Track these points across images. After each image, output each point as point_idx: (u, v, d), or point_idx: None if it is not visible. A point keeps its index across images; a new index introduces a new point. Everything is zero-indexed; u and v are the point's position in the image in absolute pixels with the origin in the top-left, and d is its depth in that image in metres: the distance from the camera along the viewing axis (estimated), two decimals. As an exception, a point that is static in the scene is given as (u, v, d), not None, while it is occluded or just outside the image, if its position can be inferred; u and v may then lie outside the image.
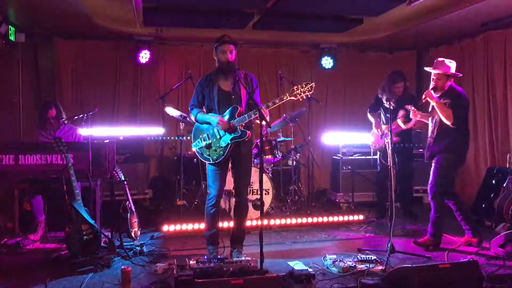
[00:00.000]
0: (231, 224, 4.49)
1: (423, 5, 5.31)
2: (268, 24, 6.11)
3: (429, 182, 4.57)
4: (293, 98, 3.87)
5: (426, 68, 4.64)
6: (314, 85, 3.86)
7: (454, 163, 4.54)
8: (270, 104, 3.93)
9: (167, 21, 6.16)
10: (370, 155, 6.64)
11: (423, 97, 4.48)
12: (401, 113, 5.36)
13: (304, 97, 3.89)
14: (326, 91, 7.70)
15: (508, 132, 5.93)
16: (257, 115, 3.80)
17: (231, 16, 5.78)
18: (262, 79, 7.39)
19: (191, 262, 3.69)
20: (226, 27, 6.31)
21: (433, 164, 4.58)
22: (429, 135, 4.68)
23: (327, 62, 7.34)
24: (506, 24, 5.80)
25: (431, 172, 4.56)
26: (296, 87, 3.86)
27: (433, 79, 4.54)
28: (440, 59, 4.54)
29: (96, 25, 5.91)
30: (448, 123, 4.36)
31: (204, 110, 4.18)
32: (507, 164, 5.58)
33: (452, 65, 4.50)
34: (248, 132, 4.04)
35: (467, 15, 5.44)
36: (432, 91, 4.48)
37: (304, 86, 3.85)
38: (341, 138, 7.00)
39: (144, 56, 6.66)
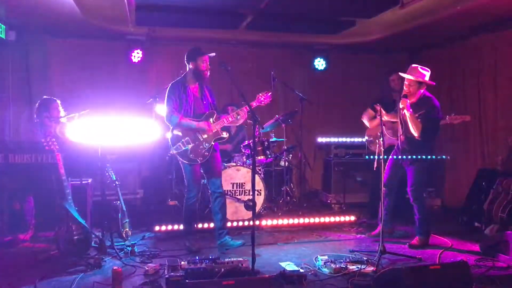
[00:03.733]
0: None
1: (416, 8, 5.34)
2: (261, 25, 6.11)
3: (409, 185, 4.66)
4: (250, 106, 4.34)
5: (402, 74, 4.66)
6: (271, 93, 4.66)
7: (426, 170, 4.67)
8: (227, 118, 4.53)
9: (160, 21, 6.13)
10: (362, 157, 6.68)
11: (400, 105, 4.47)
12: None
13: (263, 104, 4.64)
14: (318, 92, 7.71)
15: (497, 134, 5.99)
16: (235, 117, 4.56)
17: (225, 17, 5.78)
18: (255, 79, 7.38)
19: (182, 262, 3.69)
20: (219, 27, 6.32)
21: (411, 168, 4.64)
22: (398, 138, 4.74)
23: (319, 63, 7.36)
24: (497, 28, 5.86)
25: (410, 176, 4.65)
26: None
27: (406, 85, 4.55)
28: (414, 65, 4.57)
29: (88, 24, 5.86)
30: (415, 134, 4.44)
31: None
32: (497, 166, 5.66)
33: (426, 73, 4.52)
34: (227, 132, 4.68)
35: (459, 18, 5.48)
36: (406, 99, 4.48)
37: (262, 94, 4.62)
38: (333, 139, 7.04)
39: (136, 55, 6.62)
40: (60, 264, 3.90)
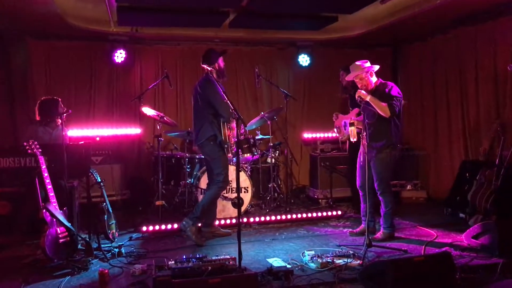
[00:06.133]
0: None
1: (396, 3, 5.40)
2: (244, 23, 6.10)
3: (374, 180, 4.67)
4: None
5: (347, 78, 4.90)
6: None
7: (393, 157, 4.67)
8: None
9: (142, 21, 6.10)
10: (347, 152, 6.72)
11: (356, 97, 4.56)
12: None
13: None
14: (303, 88, 7.74)
15: (480, 126, 6.06)
16: None
17: (207, 15, 5.75)
18: (239, 77, 7.39)
19: (169, 262, 3.69)
20: (202, 26, 6.30)
21: (374, 162, 4.64)
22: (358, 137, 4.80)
23: (304, 59, 7.37)
24: (476, 21, 5.93)
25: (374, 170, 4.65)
26: None
27: (357, 82, 4.70)
28: (353, 64, 4.74)
29: (69, 25, 5.81)
30: (385, 114, 4.46)
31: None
32: (480, 158, 5.74)
33: (364, 63, 4.67)
34: None
35: (438, 12, 5.54)
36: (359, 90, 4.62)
37: None
38: (319, 135, 7.09)
39: (120, 55, 6.58)
40: (46, 268, 3.87)
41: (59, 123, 4.91)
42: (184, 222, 4.72)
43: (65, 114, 4.73)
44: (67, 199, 4.51)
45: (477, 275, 3.64)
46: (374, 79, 4.70)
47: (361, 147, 4.73)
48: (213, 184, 4.84)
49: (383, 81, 4.73)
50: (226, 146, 4.77)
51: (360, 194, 4.90)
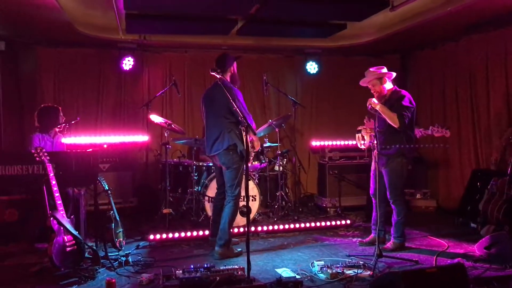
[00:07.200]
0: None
1: (406, 10, 5.35)
2: (252, 30, 6.09)
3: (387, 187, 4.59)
4: None
5: (361, 82, 4.77)
6: None
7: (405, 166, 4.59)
8: None
9: (150, 28, 6.10)
10: (356, 160, 6.68)
11: (367, 105, 4.49)
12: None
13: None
14: (311, 96, 7.71)
15: (491, 134, 5.98)
16: None
17: (215, 23, 5.75)
18: (247, 85, 7.38)
19: (177, 271, 3.66)
20: (211, 33, 6.31)
21: (386, 170, 4.57)
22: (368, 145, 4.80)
23: (312, 67, 7.35)
24: (487, 28, 5.87)
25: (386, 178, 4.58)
26: None
27: (370, 88, 4.68)
28: (367, 70, 4.68)
29: (78, 33, 5.83)
30: (394, 125, 4.40)
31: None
32: (491, 167, 5.65)
33: (381, 69, 4.62)
34: None
35: (449, 19, 5.49)
36: (370, 98, 4.55)
37: None
38: (327, 143, 7.04)
39: (128, 63, 6.59)
40: (53, 276, 3.84)
41: (58, 131, 4.93)
42: (217, 252, 4.46)
43: (73, 122, 4.77)
44: (75, 207, 4.51)
45: (491, 287, 3.56)
46: (388, 86, 4.63)
47: (373, 154, 4.67)
48: (229, 198, 4.50)
49: (398, 89, 4.65)
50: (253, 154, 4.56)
51: (373, 202, 4.82)
